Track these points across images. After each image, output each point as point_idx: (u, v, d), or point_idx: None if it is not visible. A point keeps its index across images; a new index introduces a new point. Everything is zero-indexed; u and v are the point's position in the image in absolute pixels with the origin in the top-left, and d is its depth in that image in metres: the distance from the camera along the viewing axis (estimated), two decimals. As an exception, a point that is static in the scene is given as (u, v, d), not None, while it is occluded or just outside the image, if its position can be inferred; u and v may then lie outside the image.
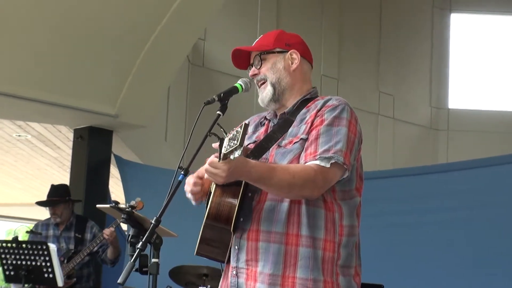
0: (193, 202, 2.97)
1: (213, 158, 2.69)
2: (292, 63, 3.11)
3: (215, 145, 2.72)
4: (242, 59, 3.20)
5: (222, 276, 3.11)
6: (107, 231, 6.38)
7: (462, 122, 13.90)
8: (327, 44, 12.68)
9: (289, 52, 3.12)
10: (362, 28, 13.36)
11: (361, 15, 13.39)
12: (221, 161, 2.63)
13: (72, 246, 6.76)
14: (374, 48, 13.48)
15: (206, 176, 2.77)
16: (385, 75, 13.53)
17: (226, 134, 2.69)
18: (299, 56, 3.12)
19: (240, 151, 2.51)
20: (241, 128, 2.52)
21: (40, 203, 7.12)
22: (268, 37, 3.16)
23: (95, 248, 6.61)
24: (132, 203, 5.97)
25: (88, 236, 6.82)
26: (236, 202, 2.86)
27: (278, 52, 3.11)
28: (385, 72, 13.54)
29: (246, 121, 2.69)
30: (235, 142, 2.53)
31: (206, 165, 2.70)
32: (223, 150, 2.59)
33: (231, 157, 2.54)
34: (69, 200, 6.99)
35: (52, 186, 7.21)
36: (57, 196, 6.97)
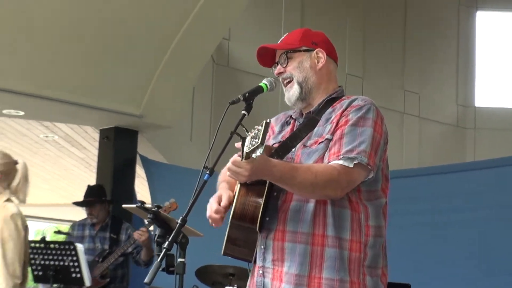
0: (214, 225, 2.97)
1: (236, 157, 2.70)
2: (318, 62, 3.10)
3: (238, 144, 2.72)
4: (267, 57, 3.19)
5: (249, 276, 3.12)
6: (137, 233, 6.40)
7: (489, 120, 13.80)
8: (351, 43, 12.64)
9: (315, 51, 3.11)
10: (387, 26, 13.30)
11: (386, 13, 13.33)
12: (243, 160, 2.64)
13: (107, 247, 6.80)
14: (399, 46, 13.42)
15: (228, 174, 2.78)
16: (410, 74, 13.47)
17: (249, 133, 2.70)
18: (325, 55, 3.11)
19: (261, 149, 2.51)
20: (262, 126, 2.53)
21: (76, 203, 7.18)
22: (294, 35, 3.15)
23: (129, 249, 6.64)
24: (166, 204, 6.01)
25: (123, 237, 6.85)
26: (261, 201, 2.86)
27: (304, 50, 3.10)
28: (410, 71, 13.47)
29: (268, 120, 2.69)
30: (257, 140, 2.53)
31: (229, 164, 2.71)
32: (245, 149, 2.59)
33: (253, 155, 2.55)
34: (105, 200, 7.03)
35: (89, 186, 7.27)
36: (93, 197, 7.03)
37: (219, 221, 2.94)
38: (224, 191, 2.98)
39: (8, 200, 4.75)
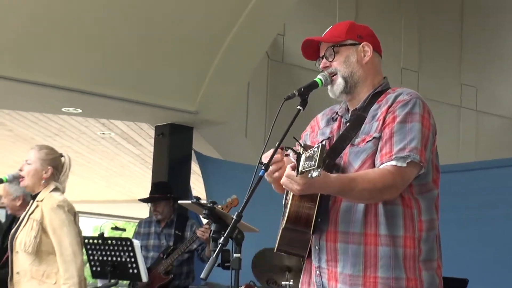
0: (277, 189, 2.96)
1: (290, 170, 2.67)
2: (364, 56, 3.07)
3: (291, 155, 2.69)
4: (312, 50, 3.17)
5: (303, 271, 3.12)
6: (200, 230, 6.42)
7: (548, 113, 13.54)
8: (407, 36, 12.52)
9: (361, 45, 3.08)
10: (443, 18, 13.13)
11: (442, 5, 13.17)
12: (298, 176, 2.63)
13: (172, 243, 6.84)
14: (455, 39, 13.24)
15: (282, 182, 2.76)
16: (467, 67, 13.27)
17: (301, 145, 2.74)
18: (371, 48, 3.08)
19: (317, 173, 2.49)
20: (318, 149, 2.51)
21: (142, 200, 7.25)
22: (339, 28, 3.12)
23: (194, 246, 6.67)
24: (228, 200, 6.03)
25: (188, 234, 6.86)
26: (314, 205, 2.86)
27: (351, 44, 3.07)
28: (467, 64, 13.28)
29: (323, 142, 2.68)
30: (313, 163, 2.51)
31: (284, 178, 2.69)
32: (300, 167, 2.58)
33: (309, 175, 2.54)
34: (170, 197, 7.07)
35: (154, 183, 7.33)
36: (158, 193, 7.07)
37: (278, 174, 2.84)
38: None
39: (54, 189, 4.82)
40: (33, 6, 7.09)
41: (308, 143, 3.16)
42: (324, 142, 2.66)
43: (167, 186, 7.32)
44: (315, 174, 2.50)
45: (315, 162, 2.49)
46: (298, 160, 2.61)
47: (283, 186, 2.75)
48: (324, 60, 3.09)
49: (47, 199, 4.74)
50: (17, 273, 4.72)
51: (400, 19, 12.45)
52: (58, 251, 4.65)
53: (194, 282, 7.05)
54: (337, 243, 2.90)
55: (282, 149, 3.11)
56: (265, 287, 6.43)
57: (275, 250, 3.02)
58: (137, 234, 7.05)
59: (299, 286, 3.16)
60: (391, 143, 2.85)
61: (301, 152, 2.62)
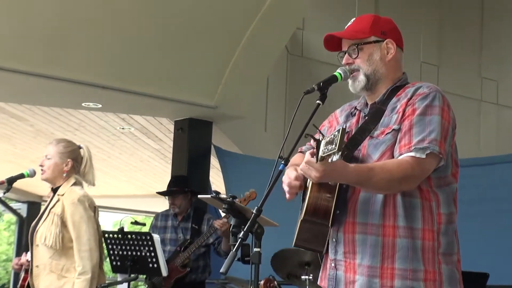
0: (287, 196, 2.94)
1: (309, 156, 2.68)
2: (388, 53, 3.06)
3: (311, 149, 2.70)
4: (334, 42, 3.15)
5: (321, 267, 3.12)
6: (218, 222, 6.43)
7: None
8: (427, 30, 12.47)
9: (385, 42, 3.06)
10: (463, 13, 13.06)
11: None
12: (318, 162, 2.62)
13: (189, 237, 6.86)
14: (476, 33, 13.15)
15: (300, 169, 2.77)
16: (487, 60, 13.19)
17: (321, 132, 2.71)
18: (395, 45, 3.07)
19: (338, 156, 2.49)
20: (338, 132, 2.51)
21: (159, 193, 7.28)
22: (362, 22, 3.10)
23: (210, 240, 6.69)
24: (246, 193, 6.04)
25: (205, 227, 6.88)
26: (333, 197, 2.86)
27: (374, 41, 3.06)
28: (487, 57, 13.20)
29: (344, 126, 2.68)
30: (333, 146, 2.51)
31: (303, 164, 2.69)
32: (320, 153, 2.58)
33: (329, 160, 2.53)
34: (188, 191, 7.09)
35: (172, 177, 7.36)
36: (176, 187, 7.10)
37: (297, 188, 2.91)
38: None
39: (75, 184, 4.84)
40: (55, 2, 7.12)
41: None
42: (344, 126, 2.65)
43: (185, 180, 7.35)
44: (335, 157, 2.50)
45: (335, 145, 2.50)
46: (317, 147, 2.62)
47: (302, 173, 2.75)
48: (347, 56, 3.08)
49: (68, 194, 4.77)
50: (37, 266, 4.75)
51: (419, 13, 12.40)
52: (75, 246, 4.70)
53: (211, 276, 7.07)
54: (355, 234, 2.90)
55: (301, 151, 3.12)
56: (285, 281, 6.44)
57: (293, 245, 3.02)
58: (153, 227, 7.08)
59: (318, 282, 3.17)
60: (410, 134, 2.85)
61: (320, 139, 2.63)
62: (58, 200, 4.77)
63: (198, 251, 6.72)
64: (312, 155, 2.67)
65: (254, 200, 5.99)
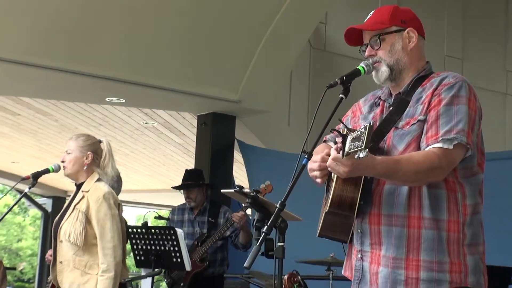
0: (318, 180, 2.93)
1: (335, 153, 2.67)
2: (409, 42, 3.04)
3: (339, 141, 2.68)
4: (355, 36, 3.14)
5: (346, 257, 3.12)
6: (236, 215, 6.44)
7: None
8: (450, 23, 12.38)
9: (406, 31, 3.04)
10: (487, 5, 12.96)
11: (486, -9, 13.00)
12: (344, 157, 2.62)
13: (205, 231, 6.87)
14: (500, 25, 13.05)
15: (328, 165, 2.75)
16: (512, 53, 13.09)
17: (346, 127, 2.72)
18: (416, 34, 3.05)
19: (365, 153, 2.48)
20: (365, 129, 2.49)
21: (175, 187, 7.29)
22: (382, 13, 3.08)
23: (227, 233, 6.69)
24: (262, 186, 6.04)
25: (221, 221, 6.89)
26: (359, 189, 2.85)
27: (395, 31, 3.04)
28: (512, 50, 13.10)
29: (371, 122, 2.67)
30: (360, 143, 2.50)
31: (330, 161, 2.69)
32: (347, 149, 2.57)
33: (355, 157, 2.52)
34: (203, 184, 7.10)
35: (187, 170, 7.37)
36: (191, 180, 7.10)
37: (325, 170, 2.88)
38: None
39: (98, 180, 4.87)
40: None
41: (350, 127, 3.15)
42: (371, 122, 2.64)
43: (200, 173, 7.34)
44: (362, 154, 2.49)
45: (362, 142, 2.49)
46: (343, 142, 2.61)
47: (329, 169, 2.75)
48: (369, 48, 3.07)
49: (93, 190, 4.79)
50: (61, 262, 4.76)
51: (443, 5, 12.32)
52: (99, 244, 4.71)
53: (235, 270, 7.08)
54: (381, 225, 2.90)
55: (325, 141, 3.12)
56: (309, 276, 6.43)
57: (317, 235, 3.02)
58: (170, 221, 7.10)
59: (342, 272, 3.17)
60: (437, 125, 2.83)
61: (346, 134, 2.62)
62: (83, 197, 4.78)
63: (215, 244, 6.73)
64: (337, 150, 2.65)
65: (270, 193, 5.99)
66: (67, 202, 5.00)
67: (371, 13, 3.13)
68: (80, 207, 4.75)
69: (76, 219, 4.71)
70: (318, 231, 3.02)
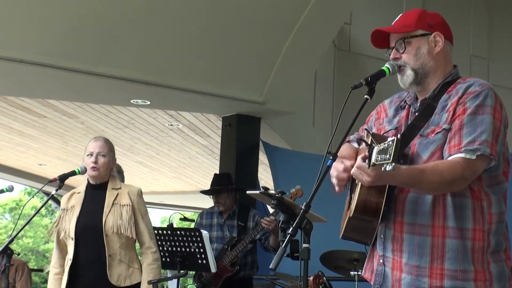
0: (336, 189, 2.93)
1: (360, 161, 2.66)
2: (435, 46, 3.00)
3: (359, 138, 2.67)
4: (382, 38, 3.11)
5: (367, 258, 3.12)
6: (265, 221, 6.40)
7: None
8: (476, 23, 12.31)
9: (432, 35, 3.01)
10: (513, 4, 12.87)
11: (511, -9, 12.90)
12: (370, 168, 2.61)
13: (235, 234, 6.83)
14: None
15: (352, 172, 2.75)
16: (539, 52, 12.98)
17: (373, 137, 2.72)
18: (443, 38, 3.01)
19: (391, 166, 2.47)
20: (393, 143, 2.48)
21: (203, 192, 7.27)
22: (409, 17, 3.06)
23: (258, 236, 6.67)
24: (292, 191, 6.01)
25: (250, 224, 6.83)
26: (383, 195, 2.84)
27: (422, 35, 3.01)
28: (539, 49, 12.98)
29: (398, 136, 2.66)
30: (388, 156, 2.49)
31: (354, 169, 2.69)
32: (373, 160, 2.56)
33: (382, 169, 2.51)
34: (232, 188, 7.05)
35: (215, 175, 7.33)
36: (220, 185, 7.03)
37: (345, 181, 2.89)
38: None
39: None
40: (105, 1, 7.20)
41: (374, 129, 3.15)
42: (399, 136, 2.62)
43: (229, 177, 7.29)
44: (389, 167, 2.48)
45: (389, 156, 2.48)
46: (370, 151, 2.60)
47: (353, 176, 2.74)
48: (394, 51, 3.04)
49: (126, 187, 5.03)
50: (109, 255, 4.85)
51: (469, 5, 12.25)
52: (147, 235, 4.96)
53: (259, 272, 7.06)
54: (403, 233, 2.89)
55: (349, 142, 3.11)
56: (334, 277, 6.43)
57: (340, 237, 3.01)
58: (199, 225, 7.00)
59: (362, 273, 3.16)
60: (460, 135, 2.80)
61: (373, 144, 2.61)
62: (117, 194, 4.95)
63: (245, 247, 6.71)
64: (363, 159, 2.64)
65: (300, 198, 5.97)
66: (75, 199, 5.04)
67: (398, 16, 3.12)
68: (120, 202, 4.92)
69: (122, 213, 4.88)
70: (342, 233, 3.02)
